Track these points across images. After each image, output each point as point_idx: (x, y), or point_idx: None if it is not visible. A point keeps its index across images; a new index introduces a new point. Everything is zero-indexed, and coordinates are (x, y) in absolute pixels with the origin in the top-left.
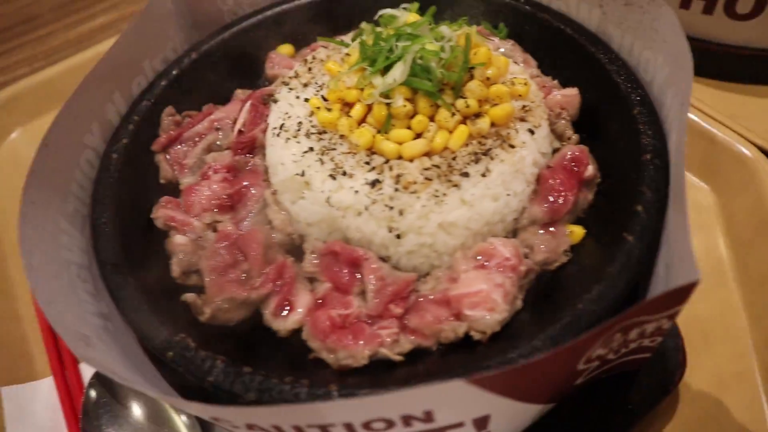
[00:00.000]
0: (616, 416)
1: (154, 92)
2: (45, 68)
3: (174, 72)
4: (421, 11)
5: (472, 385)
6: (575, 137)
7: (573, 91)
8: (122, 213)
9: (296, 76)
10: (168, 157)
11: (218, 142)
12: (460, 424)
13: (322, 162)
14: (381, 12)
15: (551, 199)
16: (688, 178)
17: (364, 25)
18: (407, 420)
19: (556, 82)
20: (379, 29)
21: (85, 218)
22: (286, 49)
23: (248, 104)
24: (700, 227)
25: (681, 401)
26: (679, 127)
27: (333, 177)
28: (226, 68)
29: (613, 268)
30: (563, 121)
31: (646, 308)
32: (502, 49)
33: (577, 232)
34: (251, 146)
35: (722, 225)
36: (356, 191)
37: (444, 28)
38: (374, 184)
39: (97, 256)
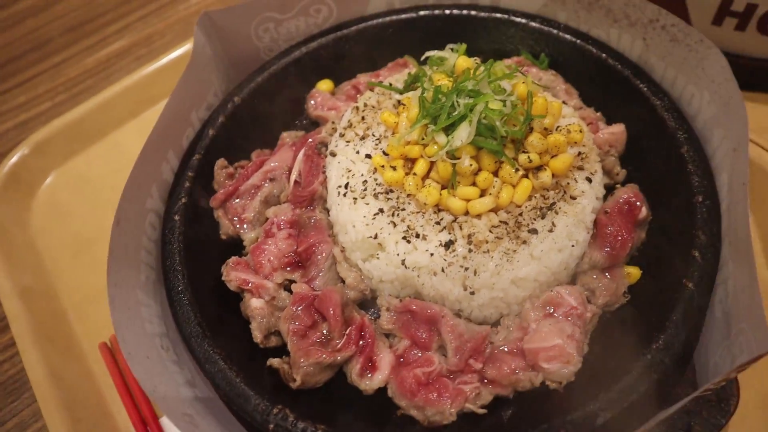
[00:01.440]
0: None
1: (203, 144)
2: (67, 101)
3: (220, 120)
4: (465, 43)
5: None
6: (623, 172)
7: (620, 128)
8: (193, 278)
9: (350, 126)
10: (226, 212)
11: (275, 192)
12: None
13: (394, 224)
14: (428, 54)
15: (610, 244)
16: None
17: (418, 69)
18: None
19: (599, 114)
20: (436, 80)
21: (155, 284)
22: (325, 85)
23: (301, 154)
24: None
25: (732, 423)
26: (735, 171)
27: (407, 239)
28: (268, 110)
29: (676, 317)
30: (612, 158)
31: (723, 379)
32: (543, 79)
33: (634, 273)
34: (311, 199)
35: (762, 246)
36: (431, 253)
37: (504, 83)
38: (448, 245)
39: (180, 329)
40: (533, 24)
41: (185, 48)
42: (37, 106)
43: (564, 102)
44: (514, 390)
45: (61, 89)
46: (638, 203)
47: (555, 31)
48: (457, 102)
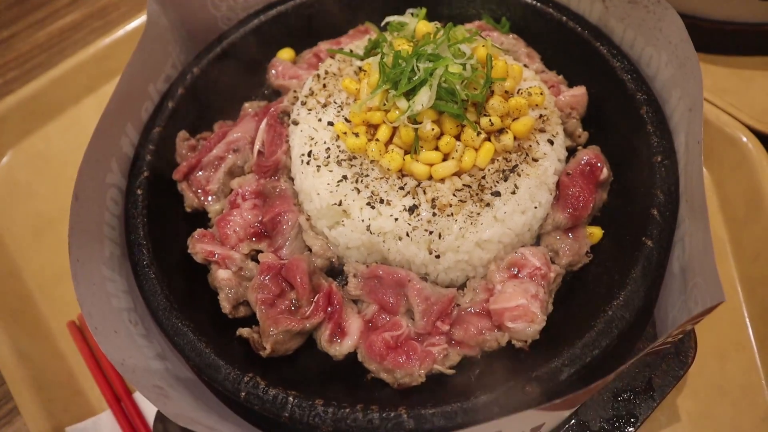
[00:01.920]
0: (641, 394)
1: (163, 116)
2: (20, 77)
3: (179, 91)
4: (426, 8)
5: (540, 411)
6: (585, 134)
7: (581, 90)
8: (159, 251)
9: (312, 94)
10: (190, 184)
11: (238, 163)
12: None
13: (358, 191)
14: (388, 19)
15: (572, 205)
16: None
17: (378, 35)
18: None
19: (561, 77)
20: (396, 45)
21: (120, 259)
22: (286, 53)
23: (264, 124)
24: None
25: (690, 374)
26: (691, 131)
27: (371, 205)
28: (229, 80)
29: (635, 274)
30: (573, 120)
31: (678, 330)
32: (504, 43)
33: (596, 233)
34: (275, 169)
35: (718, 204)
36: (395, 218)
37: (464, 46)
38: (412, 210)
39: (148, 303)
40: None
41: (141, 19)
42: None
43: (525, 65)
44: (481, 350)
45: (12, 65)
46: (599, 165)
47: None
48: (417, 66)
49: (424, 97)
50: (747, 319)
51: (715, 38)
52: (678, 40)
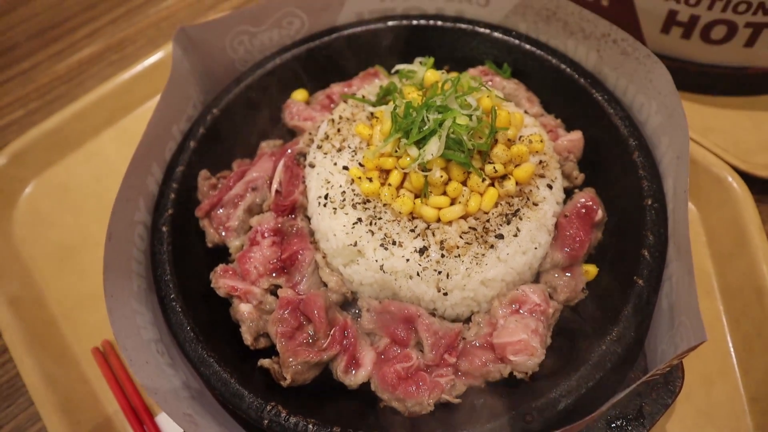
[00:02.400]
0: (633, 422)
1: (185, 156)
2: (41, 108)
3: (200, 131)
4: (430, 55)
5: None
6: (581, 176)
7: (578, 135)
8: (183, 285)
9: (327, 138)
10: (211, 221)
11: (257, 201)
12: None
13: (372, 233)
14: (398, 67)
15: (570, 245)
16: None
17: (389, 82)
18: None
19: (559, 121)
20: (406, 93)
21: (146, 292)
22: (300, 95)
23: (281, 165)
24: None
25: (678, 401)
26: (678, 177)
27: (384, 246)
28: (246, 119)
29: (627, 311)
30: (570, 163)
31: (664, 366)
32: (506, 88)
33: (591, 271)
34: (292, 208)
35: (705, 240)
36: (407, 259)
37: (470, 98)
38: (422, 251)
39: (175, 334)
40: (496, 34)
41: (159, 55)
42: (10, 113)
43: (525, 111)
44: (485, 381)
45: (33, 96)
46: (595, 207)
47: (516, 42)
48: (427, 117)
49: (434, 147)
50: (731, 349)
51: (702, 80)
52: (666, 91)
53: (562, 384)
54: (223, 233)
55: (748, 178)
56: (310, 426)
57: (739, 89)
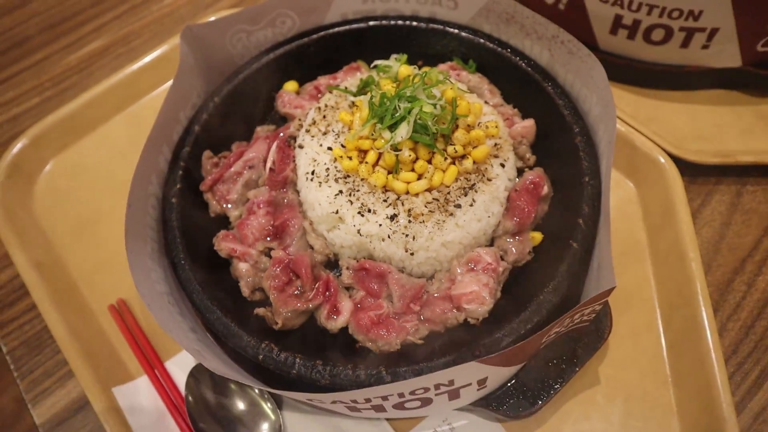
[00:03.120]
0: (567, 362)
1: (191, 138)
2: (55, 96)
3: (204, 117)
4: (406, 52)
5: (480, 363)
6: (533, 158)
7: (530, 123)
8: (190, 248)
9: (314, 123)
10: (214, 194)
11: (253, 177)
12: (468, 384)
13: (351, 202)
14: (376, 62)
15: (518, 215)
16: (619, 177)
17: (368, 75)
18: (437, 386)
19: (516, 110)
20: (383, 85)
21: (158, 254)
22: (291, 85)
23: (274, 146)
24: (626, 216)
25: (609, 348)
26: (607, 157)
27: (361, 214)
28: (243, 107)
29: (562, 268)
30: (523, 146)
31: (584, 305)
32: (471, 81)
33: (537, 237)
34: (284, 183)
35: (641, 213)
36: (380, 224)
37: (435, 90)
38: (393, 218)
39: (184, 288)
40: (463, 34)
41: (163, 48)
42: (27, 101)
43: (486, 102)
44: (444, 326)
45: (47, 85)
46: (541, 183)
47: (481, 41)
48: (399, 106)
49: (403, 131)
50: (657, 306)
51: (646, 76)
52: (603, 86)
53: (506, 327)
54: (224, 205)
55: (681, 162)
56: (297, 359)
57: (677, 85)
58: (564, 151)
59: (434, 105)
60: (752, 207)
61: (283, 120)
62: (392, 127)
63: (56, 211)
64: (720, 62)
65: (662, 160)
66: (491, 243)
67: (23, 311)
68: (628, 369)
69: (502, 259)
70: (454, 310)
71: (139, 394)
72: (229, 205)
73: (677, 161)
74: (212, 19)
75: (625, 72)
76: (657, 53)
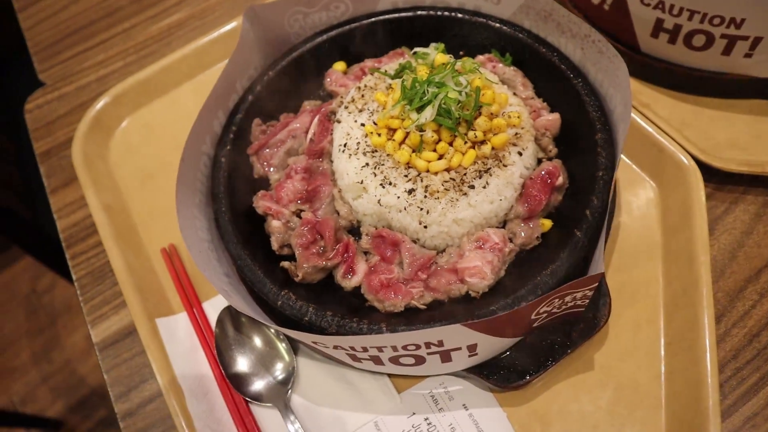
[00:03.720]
0: (561, 344)
1: (244, 106)
2: (136, 62)
3: (258, 88)
4: (447, 44)
5: (465, 327)
6: (555, 150)
7: (555, 116)
8: (233, 203)
9: (352, 101)
10: (259, 158)
11: (295, 146)
12: (458, 348)
13: (375, 174)
14: (416, 49)
15: (530, 202)
16: (643, 177)
17: (407, 60)
18: (428, 345)
19: (545, 104)
20: (419, 70)
21: (204, 206)
22: (339, 66)
23: (316, 119)
24: (645, 215)
25: (608, 338)
26: (618, 154)
27: (382, 186)
28: (295, 82)
29: (563, 254)
30: (546, 138)
31: (570, 287)
32: (506, 73)
33: (547, 224)
34: (321, 153)
35: (660, 214)
36: (398, 197)
37: (462, 78)
38: (410, 191)
39: (222, 237)
40: (504, 28)
41: (232, 25)
42: (113, 64)
43: (515, 93)
44: (447, 296)
45: (131, 51)
46: (556, 174)
47: (520, 35)
48: (427, 90)
49: (428, 113)
50: (661, 303)
51: (685, 81)
52: (625, 86)
53: (501, 301)
54: (267, 168)
55: (709, 169)
56: (311, 309)
57: (717, 92)
58: (585, 146)
59: (459, 92)
60: None
61: (329, 97)
62: (420, 110)
63: (127, 162)
64: (763, 72)
65: (686, 162)
66: (503, 225)
67: (91, 246)
68: (623, 360)
69: (510, 241)
70: (458, 282)
71: (177, 327)
72: (271, 169)
73: (705, 168)
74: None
75: (665, 76)
76: (698, 59)
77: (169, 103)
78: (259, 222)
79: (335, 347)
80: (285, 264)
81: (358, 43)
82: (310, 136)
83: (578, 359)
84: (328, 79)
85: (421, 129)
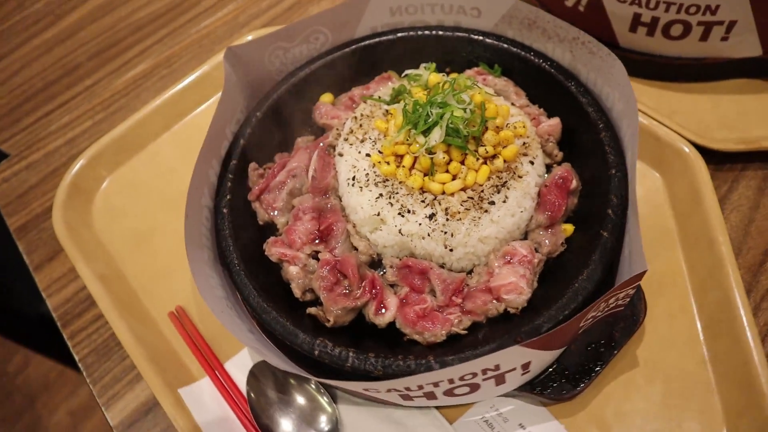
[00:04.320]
0: (606, 346)
1: (237, 152)
2: (106, 119)
3: (248, 131)
4: (433, 60)
5: (522, 347)
6: (560, 154)
7: (556, 121)
8: (243, 255)
9: (351, 132)
10: (261, 204)
11: (297, 186)
12: (513, 369)
13: (391, 204)
14: (407, 72)
15: (550, 209)
16: (645, 169)
17: (400, 84)
18: (484, 371)
19: (542, 110)
20: (414, 92)
21: (213, 262)
22: (327, 97)
23: (315, 156)
24: (654, 205)
25: (646, 332)
26: (632, 150)
27: (401, 215)
28: (284, 119)
29: (595, 257)
30: (551, 144)
31: (617, 289)
32: (497, 85)
33: (569, 229)
34: (326, 190)
35: (668, 202)
36: (419, 223)
37: (464, 95)
38: (431, 217)
39: (240, 292)
40: (488, 40)
41: (204, 68)
42: (80, 124)
43: (513, 103)
44: (485, 316)
45: (98, 109)
46: (569, 177)
47: (505, 46)
48: (431, 112)
49: (437, 135)
50: (689, 289)
51: (667, 70)
52: (623, 83)
53: (544, 314)
54: (271, 213)
55: (706, 151)
56: (351, 353)
57: (699, 77)
58: (590, 147)
59: (464, 109)
60: None
61: (321, 130)
62: (426, 132)
63: (114, 226)
64: (740, 52)
65: (687, 149)
66: (525, 237)
67: (90, 321)
68: (665, 351)
69: (536, 251)
70: (494, 301)
71: (203, 394)
72: (276, 213)
73: (702, 150)
74: (250, 38)
75: (646, 67)
76: (677, 48)
77: (150, 157)
78: (274, 270)
79: (389, 390)
80: (312, 310)
81: (342, 72)
82: (311, 173)
83: (622, 358)
84: (318, 113)
85: (430, 152)
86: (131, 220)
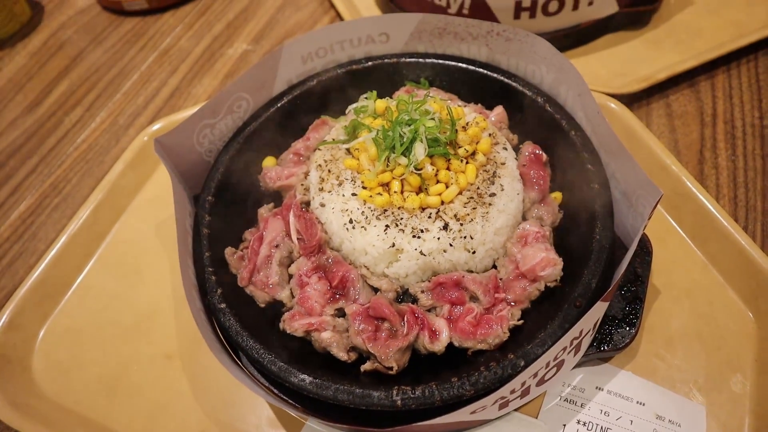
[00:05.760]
0: (635, 283)
1: (204, 243)
2: (3, 275)
3: (206, 219)
4: (353, 97)
5: (602, 302)
6: (515, 137)
7: (500, 109)
8: (266, 345)
9: (323, 181)
10: (256, 286)
11: (284, 254)
12: (588, 332)
13: (403, 231)
14: (352, 106)
15: (536, 184)
16: None
17: (353, 120)
18: (572, 342)
19: (480, 105)
20: (369, 122)
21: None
22: (270, 161)
23: (292, 218)
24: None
25: (662, 284)
26: (586, 107)
27: (416, 236)
28: (236, 196)
29: (599, 210)
30: (504, 130)
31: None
32: (431, 95)
33: (558, 196)
34: (318, 246)
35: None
36: (438, 238)
37: (426, 107)
38: (446, 227)
39: (288, 382)
40: (403, 60)
41: (109, 179)
42: None
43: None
44: (529, 301)
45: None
46: (539, 152)
47: (421, 60)
48: (403, 132)
49: (420, 150)
50: (665, 213)
51: (554, 43)
52: (550, 54)
53: (587, 272)
54: (270, 290)
55: (618, 98)
56: (434, 386)
57: (579, 42)
58: (536, 120)
59: (434, 119)
60: (683, 110)
61: (277, 194)
62: (406, 152)
63: (71, 382)
64: (603, 12)
65: (613, 106)
66: (525, 218)
67: None
68: (682, 300)
69: (542, 225)
70: (532, 283)
71: None
72: (275, 289)
73: (615, 97)
74: (157, 127)
75: None
76: (556, 21)
77: (83, 293)
78: (297, 340)
79: (495, 402)
80: (367, 366)
81: (273, 132)
82: (295, 237)
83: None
84: (268, 179)
85: (417, 168)
86: (91, 368)
